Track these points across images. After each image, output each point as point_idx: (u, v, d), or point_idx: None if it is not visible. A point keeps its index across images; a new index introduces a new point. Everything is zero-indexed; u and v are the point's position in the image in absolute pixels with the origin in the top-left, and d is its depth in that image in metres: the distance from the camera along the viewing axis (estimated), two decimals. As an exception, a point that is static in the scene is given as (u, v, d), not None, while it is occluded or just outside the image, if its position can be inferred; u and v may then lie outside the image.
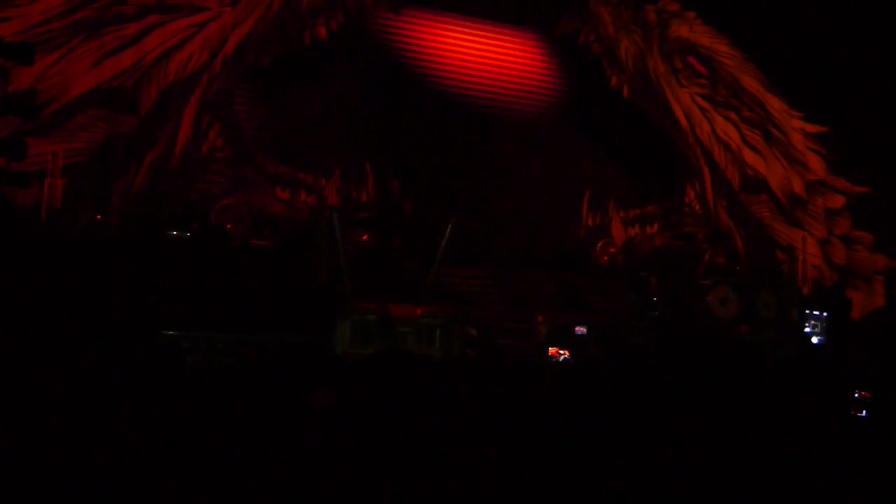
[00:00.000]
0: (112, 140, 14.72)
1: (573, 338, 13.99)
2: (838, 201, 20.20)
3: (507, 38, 20.28)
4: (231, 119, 16.67)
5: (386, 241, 14.92)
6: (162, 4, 15.33)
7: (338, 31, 17.73)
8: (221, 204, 15.96)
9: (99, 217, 14.42)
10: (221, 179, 16.34)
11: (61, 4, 14.42)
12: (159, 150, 15.30)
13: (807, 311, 16.45)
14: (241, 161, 16.62)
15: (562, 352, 12.46)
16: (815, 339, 16.07)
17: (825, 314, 16.43)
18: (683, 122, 20.18)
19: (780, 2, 19.38)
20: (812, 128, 20.11)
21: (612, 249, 19.85)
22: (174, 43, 15.36)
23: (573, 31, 20.38)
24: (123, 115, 14.87)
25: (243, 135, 16.86)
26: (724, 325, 15.90)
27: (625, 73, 20.33)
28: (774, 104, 20.15)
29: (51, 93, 14.22)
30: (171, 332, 12.50)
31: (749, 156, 20.17)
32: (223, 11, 15.87)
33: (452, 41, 19.64)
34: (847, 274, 20.13)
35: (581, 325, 14.34)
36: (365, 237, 16.04)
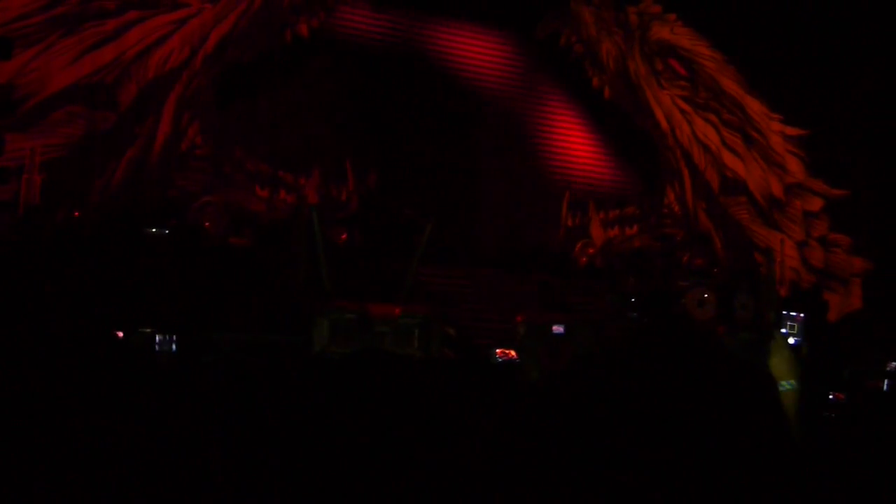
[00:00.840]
0: (91, 136, 14.65)
1: (551, 337, 13.98)
2: (816, 204, 20.30)
3: (487, 37, 20.31)
4: (211, 116, 16.64)
5: (365, 240, 14.91)
6: (142, 0, 15.28)
7: (319, 28, 17.74)
8: (200, 202, 15.91)
9: (77, 213, 14.35)
10: (200, 177, 16.31)
11: (40, -1, 14.37)
12: (138, 146, 15.25)
13: (783, 312, 16.50)
14: (221, 159, 16.58)
15: (507, 352, 12.45)
16: (791, 340, 16.12)
17: (802, 315, 16.49)
18: (664, 123, 20.25)
19: (759, 4, 19.46)
20: (791, 130, 20.20)
21: (591, 250, 19.90)
22: (154, 39, 15.30)
23: (554, 32, 20.43)
24: (102, 111, 14.81)
25: (223, 132, 16.82)
26: (703, 328, 15.95)
27: (606, 75, 20.38)
28: (754, 107, 20.23)
29: (29, 88, 14.14)
30: (147, 330, 12.47)
31: (728, 158, 20.26)
32: (204, 8, 15.83)
33: (432, 40, 19.65)
34: (824, 276, 20.24)
35: (559, 324, 14.33)
36: (344, 236, 16.02)
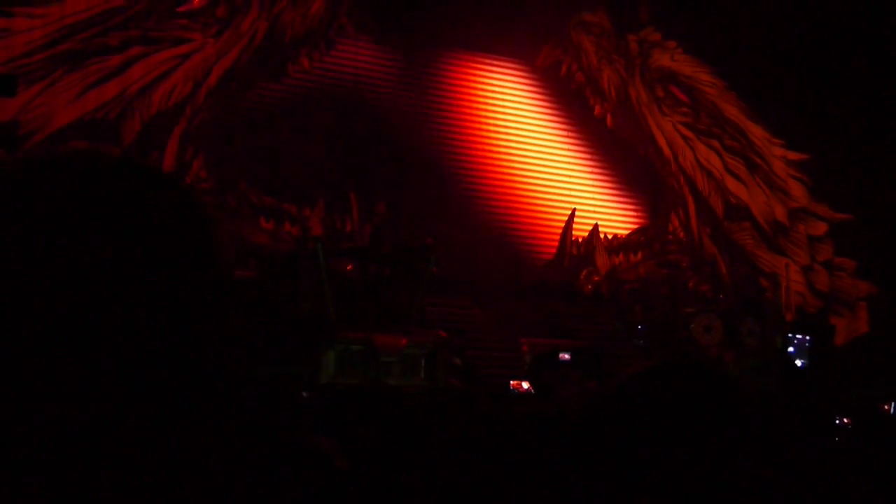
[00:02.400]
0: (95, 171, 14.70)
1: (558, 364, 13.95)
2: (820, 228, 20.31)
3: (488, 69, 20.40)
4: (215, 150, 16.70)
5: (370, 271, 14.91)
6: (145, 36, 15.38)
7: (320, 61, 17.84)
8: (205, 235, 15.91)
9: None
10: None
11: (44, 36, 14.45)
12: (143, 181, 15.30)
13: (789, 335, 16.47)
14: (225, 192, 16.63)
15: (524, 384, 12.35)
16: (798, 363, 16.08)
17: (808, 337, 16.45)
18: (666, 150, 20.31)
19: (759, 30, 19.54)
20: (793, 155, 20.25)
21: (596, 278, 19.90)
22: (157, 74, 15.41)
23: (555, 61, 20.53)
24: (107, 146, 14.89)
25: (227, 165, 16.88)
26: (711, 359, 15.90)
27: (608, 102, 20.47)
28: (756, 132, 20.29)
29: (34, 124, 14.23)
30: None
31: (732, 183, 20.30)
32: (207, 43, 15.94)
33: (433, 71, 19.74)
34: (830, 300, 20.21)
35: (565, 351, 14.31)
36: (349, 267, 16.01)
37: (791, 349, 16.37)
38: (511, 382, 12.64)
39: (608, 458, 1.45)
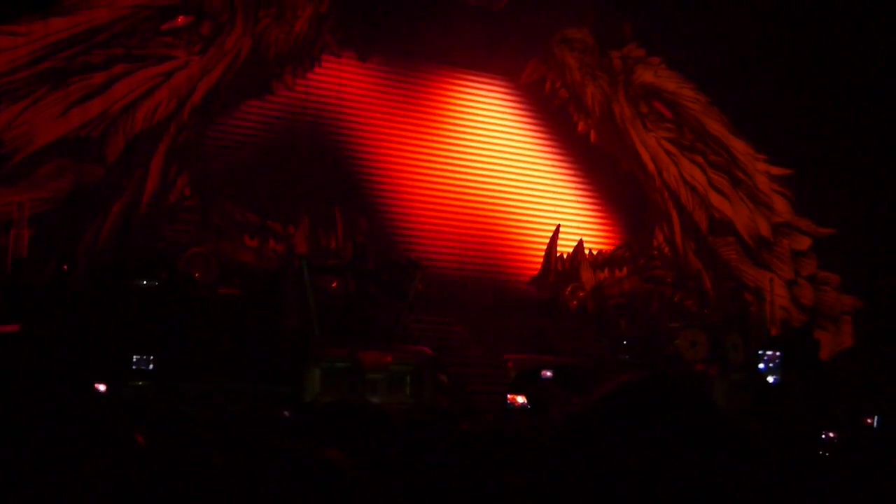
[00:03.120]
0: (79, 189, 14.67)
1: (540, 382, 13.93)
2: (804, 242, 20.37)
3: (472, 84, 20.45)
4: (199, 168, 16.67)
5: (355, 288, 14.90)
6: (129, 54, 15.35)
7: (304, 79, 17.86)
8: (189, 252, 15.90)
9: (66, 267, 14.32)
10: (189, 228, 16.30)
11: (28, 54, 14.41)
12: (127, 199, 15.27)
13: (759, 352, 16.45)
14: (210, 209, 16.59)
15: (520, 398, 12.31)
16: (770, 379, 16.06)
17: (779, 353, 16.44)
18: (650, 165, 20.36)
19: (742, 46, 19.64)
20: (776, 170, 20.32)
21: (581, 293, 19.91)
22: (141, 92, 15.37)
23: (539, 77, 20.60)
24: (90, 164, 14.84)
25: (211, 183, 16.85)
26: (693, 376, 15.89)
27: (591, 118, 20.53)
28: (739, 147, 20.37)
29: (17, 142, 14.18)
30: (139, 383, 12.41)
31: (715, 199, 20.36)
32: (191, 60, 15.92)
33: (418, 89, 19.78)
34: (815, 314, 20.26)
35: (548, 368, 14.28)
36: (334, 284, 16.00)
37: (762, 366, 16.35)
38: (508, 396, 12.60)
39: (588, 470, 1.45)
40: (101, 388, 10.10)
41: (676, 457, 1.47)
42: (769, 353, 16.51)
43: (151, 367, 12.59)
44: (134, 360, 12.50)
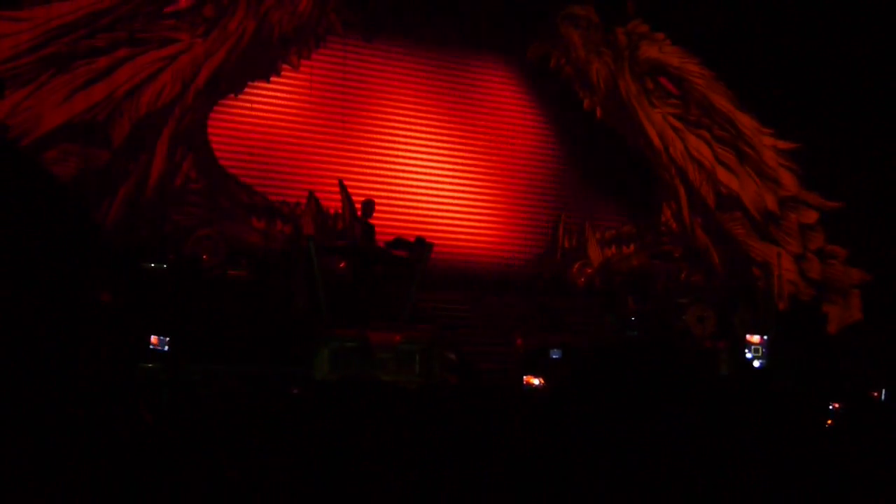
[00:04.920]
0: (85, 174, 14.69)
1: (549, 361, 13.96)
2: (811, 216, 20.33)
3: (478, 63, 20.42)
4: (205, 150, 16.69)
5: (363, 268, 14.91)
6: (132, 38, 15.34)
7: (309, 59, 17.84)
8: (197, 235, 15.94)
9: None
10: (196, 210, 16.33)
11: (30, 40, 14.41)
12: (133, 182, 15.29)
13: (745, 336, 16.37)
14: (216, 191, 16.62)
15: (536, 380, 12.31)
16: (756, 364, 15.99)
17: (765, 337, 16.35)
18: (656, 141, 20.31)
19: (746, 19, 19.57)
20: (783, 144, 20.26)
21: (588, 270, 19.93)
22: (146, 75, 15.37)
23: (544, 54, 20.54)
24: (96, 148, 14.85)
25: (217, 165, 16.87)
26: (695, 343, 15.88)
27: (597, 95, 20.48)
28: (745, 122, 20.30)
29: (22, 128, 14.19)
30: (149, 365, 12.46)
31: (722, 174, 20.31)
32: (194, 43, 15.90)
33: (424, 67, 19.75)
34: (823, 288, 20.24)
35: (557, 347, 14.30)
36: (342, 264, 16.03)
37: (748, 354, 16.25)
38: (524, 378, 12.57)
39: (574, 429, 1.47)
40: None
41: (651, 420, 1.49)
42: (755, 337, 16.38)
43: (167, 348, 12.64)
44: (152, 341, 12.55)
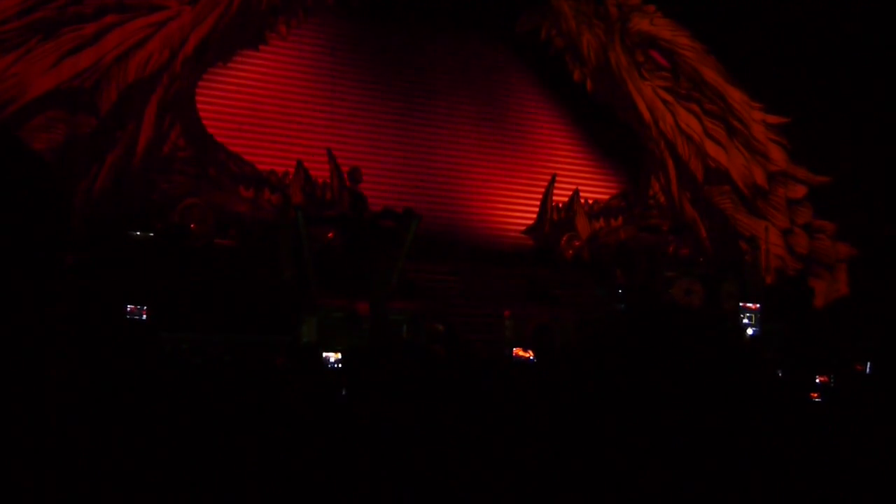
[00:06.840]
0: (72, 141, 14.60)
1: (538, 332, 13.99)
2: (799, 191, 20.39)
3: (466, 34, 20.32)
4: (193, 118, 16.59)
5: (351, 238, 14.88)
6: (120, 4, 15.21)
7: (298, 28, 17.75)
8: (185, 204, 15.88)
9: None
10: (184, 179, 16.26)
11: (17, 5, 14.28)
12: (120, 150, 15.21)
13: (739, 304, 16.47)
14: (204, 160, 16.55)
15: (526, 352, 12.31)
16: (750, 331, 16.10)
17: (758, 305, 16.47)
18: (646, 114, 20.30)
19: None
20: (772, 119, 20.28)
21: (577, 243, 19.93)
22: (133, 42, 15.25)
23: (535, 26, 20.46)
24: (83, 116, 14.76)
25: (206, 134, 16.78)
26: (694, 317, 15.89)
27: (587, 67, 20.43)
28: (735, 96, 20.31)
29: (8, 94, 14.09)
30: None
31: (711, 147, 20.33)
32: (182, 10, 15.79)
33: (411, 39, 19.66)
34: (810, 263, 20.32)
35: (545, 319, 14.33)
36: (330, 235, 16.00)
37: (745, 321, 16.36)
38: (514, 350, 12.58)
39: (586, 394, 1.47)
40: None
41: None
42: (749, 305, 16.52)
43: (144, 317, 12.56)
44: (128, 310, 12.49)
